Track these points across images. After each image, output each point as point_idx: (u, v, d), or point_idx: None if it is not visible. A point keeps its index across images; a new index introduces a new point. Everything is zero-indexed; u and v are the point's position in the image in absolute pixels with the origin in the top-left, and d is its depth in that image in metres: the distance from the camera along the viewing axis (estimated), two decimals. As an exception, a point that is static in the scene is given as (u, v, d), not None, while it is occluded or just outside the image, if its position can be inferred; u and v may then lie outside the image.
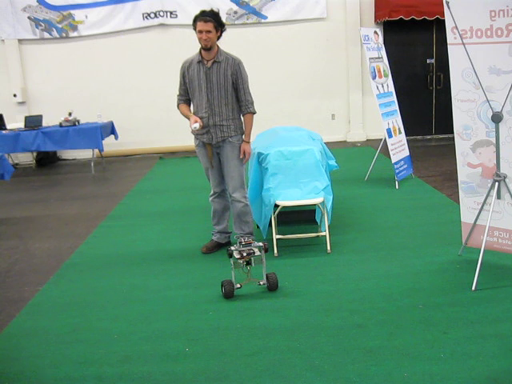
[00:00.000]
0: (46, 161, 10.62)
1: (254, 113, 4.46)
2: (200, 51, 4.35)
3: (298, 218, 5.26)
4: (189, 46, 10.08)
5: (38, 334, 3.44)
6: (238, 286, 3.76)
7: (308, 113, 10.41)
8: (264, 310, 3.56)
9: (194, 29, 4.25)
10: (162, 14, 10.25)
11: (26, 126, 9.46)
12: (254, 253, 3.69)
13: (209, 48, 4.25)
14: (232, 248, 3.75)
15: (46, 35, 10.38)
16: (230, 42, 9.97)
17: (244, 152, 4.46)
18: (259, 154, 4.93)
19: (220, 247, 4.76)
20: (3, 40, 10.33)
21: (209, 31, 4.18)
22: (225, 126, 4.39)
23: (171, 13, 10.26)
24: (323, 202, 4.58)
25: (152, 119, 10.43)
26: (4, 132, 9.24)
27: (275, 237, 4.60)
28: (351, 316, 3.39)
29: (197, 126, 4.25)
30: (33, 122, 9.51)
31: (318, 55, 10.46)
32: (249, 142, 4.49)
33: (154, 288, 4.06)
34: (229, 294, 3.73)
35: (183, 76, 4.44)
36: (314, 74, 10.48)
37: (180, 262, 4.52)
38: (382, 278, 3.96)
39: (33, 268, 4.74)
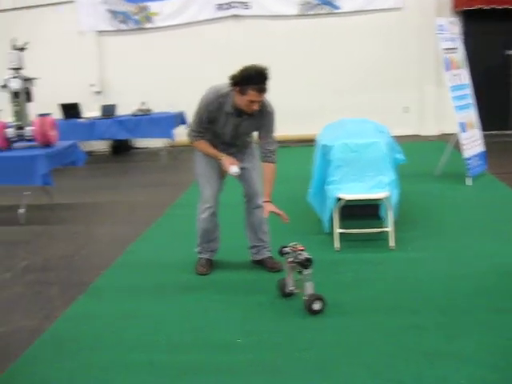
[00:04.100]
0: (120, 149, 10.92)
1: (275, 163, 3.86)
2: (234, 104, 3.66)
3: (362, 212, 5.13)
4: (261, 37, 10.17)
5: (95, 318, 3.53)
6: (292, 288, 3.54)
7: (379, 105, 10.09)
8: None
9: (241, 92, 3.53)
10: (235, 4, 10.30)
11: (101, 114, 9.78)
12: (301, 263, 3.33)
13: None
14: (286, 249, 3.46)
15: (123, 27, 10.67)
16: (301, 33, 9.98)
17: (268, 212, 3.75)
18: (324, 146, 4.86)
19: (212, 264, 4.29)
20: (83, 32, 10.70)
21: (261, 100, 3.63)
22: (244, 149, 4.06)
23: (245, 4, 10.28)
24: (388, 196, 4.45)
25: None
26: (80, 120, 9.59)
27: (337, 230, 4.52)
28: (410, 316, 3.27)
29: (237, 170, 3.77)
30: (107, 111, 9.81)
31: (391, 46, 10.13)
32: (270, 202, 3.77)
33: (212, 277, 4.09)
34: (281, 293, 3.62)
35: (207, 116, 3.74)
36: (386, 65, 10.18)
37: (242, 253, 4.40)
38: (446, 279, 3.80)
39: (97, 253, 4.90)
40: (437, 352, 2.86)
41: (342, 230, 4.53)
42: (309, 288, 3.35)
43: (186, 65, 10.55)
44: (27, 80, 6.09)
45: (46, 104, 9.70)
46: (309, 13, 10.03)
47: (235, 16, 10.32)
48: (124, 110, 9.99)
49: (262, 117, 3.76)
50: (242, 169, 3.93)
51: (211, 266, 4.24)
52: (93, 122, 9.49)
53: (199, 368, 2.86)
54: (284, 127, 9.77)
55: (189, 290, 3.88)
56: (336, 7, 10.07)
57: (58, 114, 9.78)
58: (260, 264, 4.21)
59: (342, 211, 4.60)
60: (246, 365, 2.86)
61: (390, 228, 4.45)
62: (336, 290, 3.68)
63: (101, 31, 10.71)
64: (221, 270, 4.22)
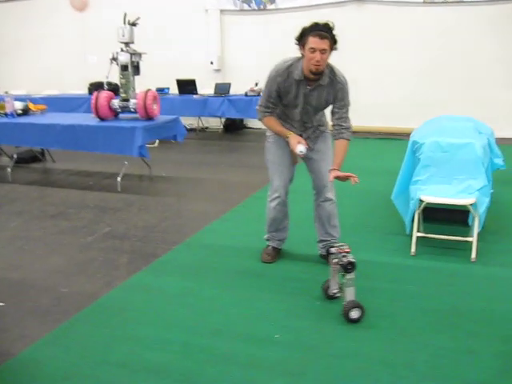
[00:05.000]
0: (233, 127, 11.10)
1: (349, 140, 3.67)
2: (302, 69, 3.55)
3: (449, 217, 4.77)
4: (383, 24, 9.72)
5: (149, 291, 3.61)
6: (335, 291, 3.36)
7: (506, 104, 9.28)
8: (372, 313, 3.23)
9: (301, 45, 3.49)
10: (359, -12, 9.95)
11: (215, 92, 9.98)
12: (343, 266, 3.11)
13: (319, 73, 3.50)
14: (333, 250, 3.26)
15: (246, 7, 10.73)
16: (426, 22, 9.39)
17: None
18: (414, 143, 4.56)
19: (279, 253, 4.24)
20: (207, 10, 10.92)
21: (324, 50, 3.37)
22: (317, 130, 3.89)
23: (369, -12, 9.90)
24: (475, 203, 4.08)
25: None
26: (194, 97, 9.85)
27: (415, 234, 4.22)
28: (467, 338, 2.96)
29: (303, 150, 3.61)
30: (221, 89, 9.98)
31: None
32: (338, 170, 3.57)
33: (273, 267, 4.00)
34: (325, 294, 3.44)
35: (276, 88, 3.62)
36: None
37: (311, 245, 4.25)
38: (525, 302, 3.41)
39: (176, 227, 4.99)
40: (486, 383, 2.56)
41: (420, 234, 4.24)
42: (349, 294, 3.13)
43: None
44: (135, 54, 6.32)
45: (167, 79, 10.16)
46: (436, 1, 9.40)
47: (358, 0, 9.95)
48: (239, 89, 10.10)
49: (332, 87, 3.58)
50: (310, 159, 3.85)
51: (277, 254, 4.17)
52: (206, 99, 9.71)
53: (229, 358, 2.81)
54: (399, 119, 9.44)
55: (247, 277, 3.83)
56: (469, -6, 9.34)
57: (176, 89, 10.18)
58: (326, 259, 4.05)
59: (427, 214, 4.30)
60: (276, 362, 2.76)
61: (473, 238, 4.09)
62: (395, 299, 3.44)
63: (223, 10, 10.86)
64: (286, 260, 4.13)
